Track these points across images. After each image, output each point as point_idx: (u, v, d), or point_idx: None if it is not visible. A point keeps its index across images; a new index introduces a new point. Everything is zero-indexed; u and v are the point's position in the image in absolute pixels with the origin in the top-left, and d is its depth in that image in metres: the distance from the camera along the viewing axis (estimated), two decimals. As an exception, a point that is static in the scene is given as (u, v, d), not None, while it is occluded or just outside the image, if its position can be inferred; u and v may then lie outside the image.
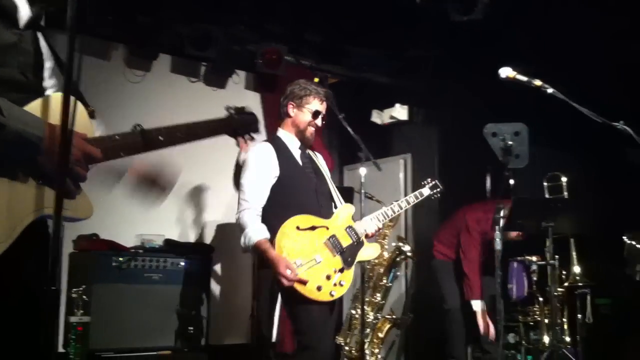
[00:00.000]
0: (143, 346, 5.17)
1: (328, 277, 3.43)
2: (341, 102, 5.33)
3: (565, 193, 5.00)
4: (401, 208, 3.96)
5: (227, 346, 6.12)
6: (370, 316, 5.48)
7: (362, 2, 5.77)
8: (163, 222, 5.99)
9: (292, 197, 3.58)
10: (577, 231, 5.09)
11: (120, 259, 5.22)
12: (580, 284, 5.25)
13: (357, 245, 3.64)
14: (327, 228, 3.56)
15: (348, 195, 4.90)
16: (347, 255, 3.55)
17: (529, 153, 4.32)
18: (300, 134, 3.73)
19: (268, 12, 6.21)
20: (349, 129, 4.98)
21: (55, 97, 1.79)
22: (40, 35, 1.90)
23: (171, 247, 5.70)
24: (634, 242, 5.70)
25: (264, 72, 6.51)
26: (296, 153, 3.72)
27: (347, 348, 5.49)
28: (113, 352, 5.03)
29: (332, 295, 3.43)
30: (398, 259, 5.59)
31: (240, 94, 6.90)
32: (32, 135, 1.63)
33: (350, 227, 3.65)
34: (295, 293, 3.34)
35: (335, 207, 3.80)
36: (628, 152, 3.57)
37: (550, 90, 3.08)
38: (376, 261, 5.62)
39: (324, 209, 3.65)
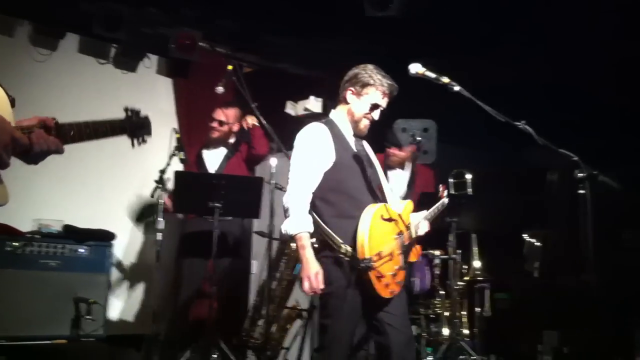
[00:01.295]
0: (38, 334, 5.00)
1: (394, 276, 3.26)
2: (256, 92, 5.32)
3: (470, 190, 5.14)
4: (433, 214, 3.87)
5: (127, 336, 5.97)
6: (275, 307, 5.47)
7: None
8: (64, 208, 5.79)
9: (347, 185, 3.32)
10: (479, 227, 5.26)
11: (15, 243, 5.04)
12: (480, 278, 5.42)
13: (412, 245, 3.50)
14: (397, 222, 3.39)
15: (258, 185, 4.86)
16: (406, 254, 3.42)
17: (436, 149, 4.45)
18: (354, 123, 3.46)
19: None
20: (261, 118, 4.97)
21: None
22: None
23: (70, 233, 5.51)
24: (533, 240, 5.95)
25: (177, 57, 6.36)
26: (350, 140, 3.47)
27: (251, 339, 5.47)
28: (5, 340, 4.85)
29: (391, 294, 3.25)
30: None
31: (151, 79, 6.75)
32: None
33: (411, 225, 3.49)
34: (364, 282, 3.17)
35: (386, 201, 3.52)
36: (528, 151, 3.70)
37: (456, 88, 3.13)
38: (284, 252, 5.63)
39: (378, 201, 3.37)
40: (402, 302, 3.36)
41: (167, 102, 6.79)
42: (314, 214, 3.27)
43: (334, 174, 3.32)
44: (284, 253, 5.59)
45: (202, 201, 4.67)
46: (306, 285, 3.13)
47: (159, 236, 4.78)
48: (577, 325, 5.07)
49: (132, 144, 2.21)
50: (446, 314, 5.29)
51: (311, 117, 6.99)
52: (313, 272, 3.11)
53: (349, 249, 3.17)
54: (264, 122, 4.94)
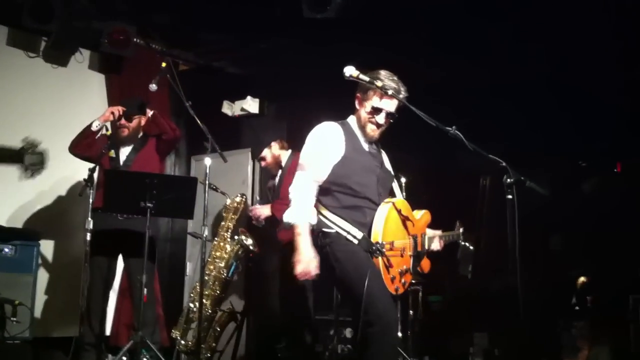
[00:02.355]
0: (-41, 336, 4.80)
1: (402, 273, 3.32)
2: (192, 90, 5.23)
3: (403, 193, 5.16)
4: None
5: (54, 339, 5.79)
6: (209, 309, 5.40)
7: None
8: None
9: (353, 180, 3.33)
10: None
11: None
12: (413, 281, 5.45)
13: (422, 254, 3.54)
14: (414, 225, 3.47)
15: (192, 185, 4.77)
16: (416, 260, 3.47)
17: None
18: (362, 129, 3.43)
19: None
20: (195, 118, 4.89)
21: None
22: None
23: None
24: (466, 244, 6.03)
25: (109, 53, 6.20)
26: (363, 141, 3.46)
27: (183, 342, 5.37)
28: None
29: (396, 291, 3.27)
30: (240, 252, 5.56)
31: (82, 74, 6.58)
32: None
33: (426, 235, 3.57)
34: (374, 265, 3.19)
35: None
36: (459, 155, 3.75)
37: (389, 92, 3.15)
38: (217, 254, 5.55)
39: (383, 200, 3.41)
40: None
41: (99, 98, 6.62)
42: (320, 206, 3.32)
43: (342, 168, 3.35)
44: (220, 255, 5.53)
45: (133, 200, 4.55)
46: (299, 267, 3.12)
47: (88, 236, 4.64)
48: (507, 328, 5.17)
49: (25, 175, 2.12)
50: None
51: (248, 117, 6.95)
52: (307, 257, 3.13)
53: (359, 233, 3.22)
54: (198, 121, 4.86)
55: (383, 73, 3.35)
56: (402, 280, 3.33)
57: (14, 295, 5.07)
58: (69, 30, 5.91)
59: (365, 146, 3.47)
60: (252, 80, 7.01)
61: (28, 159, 2.04)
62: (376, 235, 3.23)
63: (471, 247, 5.95)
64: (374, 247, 3.16)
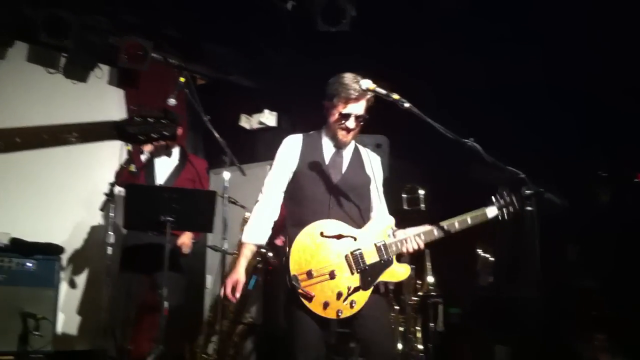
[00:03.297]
0: (-17, 350, 4.85)
1: (339, 295, 3.12)
2: (209, 104, 5.27)
3: (422, 205, 5.17)
4: (457, 227, 3.38)
5: (76, 352, 5.84)
6: (229, 322, 5.42)
7: (229, 4, 5.70)
8: (11, 221, 5.64)
9: (304, 193, 3.32)
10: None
11: None
12: (433, 293, 5.44)
13: (384, 264, 3.26)
14: (355, 239, 3.24)
15: (211, 199, 4.80)
16: (368, 274, 3.20)
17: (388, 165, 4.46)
18: (332, 135, 3.38)
19: (131, 4, 5.98)
20: (214, 132, 4.91)
21: None
22: None
23: (17, 246, 5.37)
24: (486, 255, 6.01)
25: (127, 68, 6.27)
26: (327, 150, 3.40)
27: (204, 355, 5.39)
28: (-50, 355, 4.71)
29: (338, 315, 3.11)
30: (259, 265, 5.57)
31: (102, 89, 6.64)
32: None
33: (382, 243, 3.27)
34: (299, 299, 3.10)
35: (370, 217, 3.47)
36: (474, 167, 3.75)
37: (406, 105, 3.15)
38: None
39: (336, 212, 3.28)
40: (375, 318, 3.26)
41: (119, 113, 6.69)
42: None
43: (294, 182, 3.38)
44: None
45: (153, 215, 4.58)
46: (222, 290, 3.22)
47: (109, 250, 4.68)
48: (525, 340, 5.13)
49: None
50: (400, 329, 5.29)
51: (265, 130, 6.99)
52: (232, 279, 3.21)
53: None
54: (217, 135, 4.89)
55: (346, 76, 3.30)
56: (349, 301, 3.15)
57: (37, 310, 5.14)
58: (85, 45, 6.00)
59: (328, 156, 3.41)
60: (268, 93, 7.05)
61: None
62: (287, 267, 3.12)
63: (491, 258, 5.92)
64: (290, 282, 3.08)
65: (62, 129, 1.93)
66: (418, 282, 5.50)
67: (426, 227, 3.33)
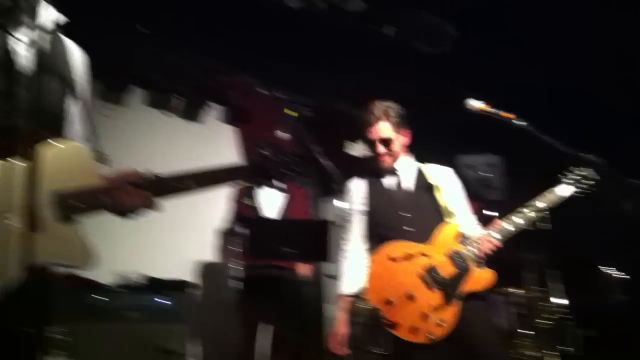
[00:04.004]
0: (120, 387, 5.03)
1: (424, 317, 3.00)
2: (317, 134, 5.36)
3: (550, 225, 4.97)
4: (529, 215, 3.14)
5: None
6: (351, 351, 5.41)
7: (329, 35, 5.80)
8: (143, 258, 5.89)
9: (377, 231, 3.33)
10: (559, 262, 5.07)
11: (96, 296, 5.06)
12: (566, 316, 5.16)
13: (463, 273, 3.09)
14: (425, 255, 3.12)
15: (324, 228, 4.87)
16: (449, 287, 3.05)
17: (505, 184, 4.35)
18: (377, 165, 3.43)
19: (234, 43, 6.21)
20: (324, 161, 4.99)
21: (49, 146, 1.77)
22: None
23: (150, 283, 5.58)
24: (609, 271, 5.71)
25: (237, 105, 6.51)
26: (384, 180, 3.43)
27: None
28: (88, 393, 4.89)
29: (431, 339, 2.97)
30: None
31: (216, 127, 6.89)
32: None
33: (454, 251, 3.14)
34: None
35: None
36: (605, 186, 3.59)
37: (521, 123, 3.10)
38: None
39: (402, 233, 3.23)
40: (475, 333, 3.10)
41: (232, 149, 6.93)
42: None
43: (368, 220, 3.40)
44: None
45: (272, 247, 4.69)
46: (330, 344, 3.23)
47: (231, 283, 4.82)
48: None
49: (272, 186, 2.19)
50: (533, 354, 5.06)
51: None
52: (337, 334, 3.24)
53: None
54: (326, 164, 4.97)
55: (373, 104, 3.37)
56: (436, 320, 3.01)
57: (170, 345, 5.29)
58: (198, 87, 6.28)
59: (387, 183, 3.40)
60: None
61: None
62: (370, 298, 3.12)
63: (614, 274, 5.59)
64: (369, 316, 3.06)
65: (217, 171, 2.11)
66: (548, 304, 5.25)
67: (496, 224, 3.15)
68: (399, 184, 3.40)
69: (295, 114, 4.93)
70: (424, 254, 3.13)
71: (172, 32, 5.80)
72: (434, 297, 3.04)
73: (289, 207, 5.46)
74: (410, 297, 3.03)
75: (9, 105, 1.75)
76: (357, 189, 3.50)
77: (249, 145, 6.84)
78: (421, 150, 3.48)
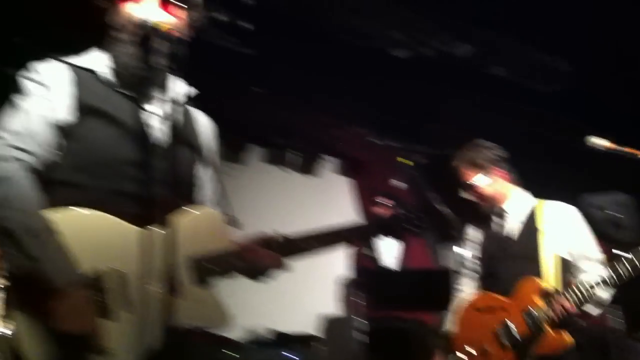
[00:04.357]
0: None
1: None
2: (433, 181, 5.34)
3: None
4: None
5: None
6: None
7: (439, 82, 5.80)
8: (268, 313, 5.96)
9: (482, 274, 3.32)
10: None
11: (228, 352, 5.09)
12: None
13: (536, 334, 2.89)
14: (505, 310, 3.01)
15: (444, 277, 4.80)
16: (522, 347, 2.90)
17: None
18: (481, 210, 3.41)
19: (344, 95, 6.32)
20: (443, 208, 4.96)
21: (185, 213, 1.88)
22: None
23: (278, 338, 5.65)
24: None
25: (350, 156, 6.61)
26: (496, 222, 3.37)
27: None
28: None
29: None
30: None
31: (331, 180, 7.01)
32: (57, 282, 1.68)
33: (528, 309, 2.94)
34: None
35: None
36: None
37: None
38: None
39: (505, 282, 3.12)
40: None
41: (349, 200, 7.00)
42: None
43: (479, 269, 3.37)
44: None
45: (395, 297, 4.68)
46: None
47: (358, 336, 4.81)
48: None
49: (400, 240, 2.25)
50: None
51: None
52: None
53: None
54: (445, 210, 4.93)
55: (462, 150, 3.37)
56: None
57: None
58: (311, 140, 6.44)
59: (494, 228, 3.33)
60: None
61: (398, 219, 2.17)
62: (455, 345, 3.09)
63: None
64: None
65: (343, 230, 2.11)
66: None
67: (572, 284, 2.88)
68: (504, 229, 3.33)
69: (410, 163, 4.94)
70: (503, 309, 3.01)
71: (284, 89, 6.02)
72: (506, 355, 2.91)
73: (408, 255, 5.43)
74: (484, 353, 2.97)
75: (145, 175, 1.87)
76: (473, 234, 3.46)
77: (366, 197, 6.90)
78: (545, 189, 3.38)
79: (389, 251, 5.37)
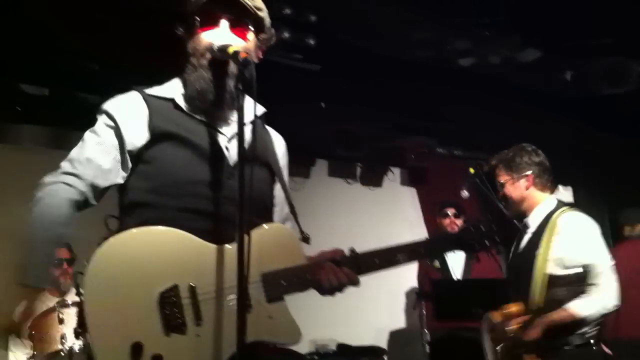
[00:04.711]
0: None
1: None
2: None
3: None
4: None
5: None
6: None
7: (503, 88, 5.74)
8: (335, 325, 5.99)
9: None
10: None
11: None
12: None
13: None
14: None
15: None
16: None
17: None
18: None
19: (408, 105, 6.30)
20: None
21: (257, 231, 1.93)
22: None
23: (344, 351, 5.66)
24: None
25: (416, 166, 6.58)
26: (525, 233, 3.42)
27: None
28: None
29: None
30: None
31: (396, 191, 7.01)
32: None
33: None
34: None
35: None
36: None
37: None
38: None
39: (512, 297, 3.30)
40: None
41: (414, 211, 6.98)
42: None
43: None
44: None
45: (462, 307, 4.63)
46: None
47: (427, 348, 4.80)
48: None
49: (477, 258, 2.24)
50: None
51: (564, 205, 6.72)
52: None
53: None
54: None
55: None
56: None
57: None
58: (376, 153, 6.45)
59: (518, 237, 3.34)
60: (558, 168, 6.82)
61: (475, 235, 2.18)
62: None
63: None
64: None
65: (412, 246, 2.12)
66: None
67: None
68: (521, 239, 3.36)
69: (471, 170, 4.89)
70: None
71: (347, 102, 6.05)
72: None
73: (476, 264, 5.36)
74: None
75: (221, 194, 1.93)
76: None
77: (432, 207, 6.86)
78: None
79: (455, 261, 5.32)
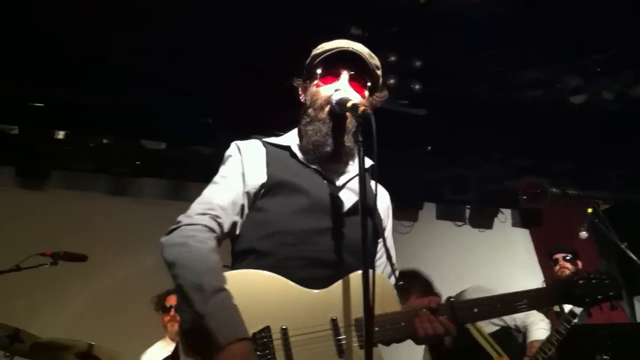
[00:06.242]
0: None
1: None
2: (617, 227, 5.03)
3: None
4: None
5: None
6: None
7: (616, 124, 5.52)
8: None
9: None
10: None
11: None
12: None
13: None
14: None
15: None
16: None
17: None
18: None
19: (514, 147, 6.18)
20: (633, 256, 4.64)
21: (354, 277, 1.94)
22: None
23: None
24: None
25: (528, 208, 6.40)
26: None
27: None
28: None
29: None
30: None
31: (507, 232, 6.84)
32: (220, 338, 1.72)
33: None
34: None
35: None
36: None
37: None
38: None
39: None
40: None
41: (526, 253, 6.78)
42: None
43: None
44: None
45: (588, 354, 4.42)
46: None
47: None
48: None
49: (589, 313, 2.17)
50: None
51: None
52: None
53: None
54: (636, 259, 4.63)
55: None
56: None
57: None
58: (485, 195, 6.35)
59: None
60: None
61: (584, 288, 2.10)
62: None
63: None
64: None
65: (514, 298, 2.05)
66: None
67: None
68: None
69: (589, 210, 4.72)
70: None
71: (454, 145, 6.01)
72: None
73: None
74: None
75: (334, 242, 1.96)
76: None
77: (546, 248, 6.64)
78: None
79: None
